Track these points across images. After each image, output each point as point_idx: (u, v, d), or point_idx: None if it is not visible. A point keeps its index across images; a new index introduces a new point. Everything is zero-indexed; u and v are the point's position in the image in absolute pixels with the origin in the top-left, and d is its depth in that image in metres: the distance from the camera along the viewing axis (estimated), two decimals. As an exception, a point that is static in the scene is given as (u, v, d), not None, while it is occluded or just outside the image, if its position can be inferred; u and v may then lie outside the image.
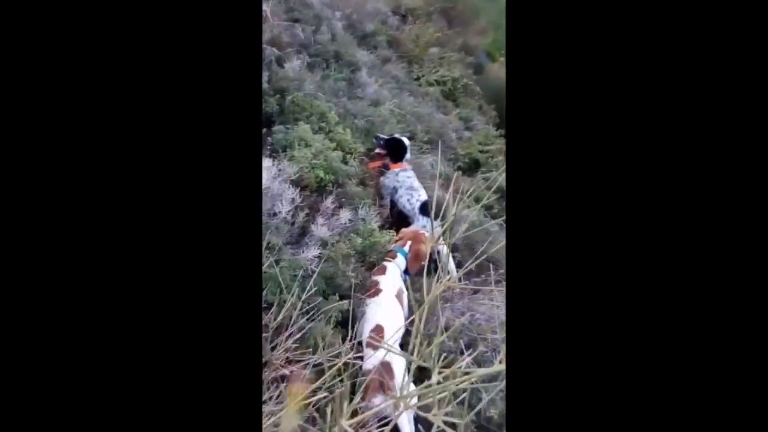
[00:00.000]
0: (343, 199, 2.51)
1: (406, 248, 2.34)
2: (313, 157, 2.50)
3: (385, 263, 2.26)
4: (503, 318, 2.34)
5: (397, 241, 2.41)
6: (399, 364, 1.86)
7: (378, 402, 1.76)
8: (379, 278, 2.20)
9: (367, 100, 4.17)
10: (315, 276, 1.58)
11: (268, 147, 2.42)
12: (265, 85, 2.80)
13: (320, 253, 1.90)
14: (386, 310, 2.07)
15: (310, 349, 1.47)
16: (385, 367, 1.82)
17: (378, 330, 1.96)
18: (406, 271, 2.35)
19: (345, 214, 2.22)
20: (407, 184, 3.05)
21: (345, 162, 2.87)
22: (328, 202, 2.20)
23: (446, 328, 2.27)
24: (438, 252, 2.74)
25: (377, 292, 2.14)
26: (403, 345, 2.29)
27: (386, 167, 3.15)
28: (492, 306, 2.36)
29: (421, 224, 2.93)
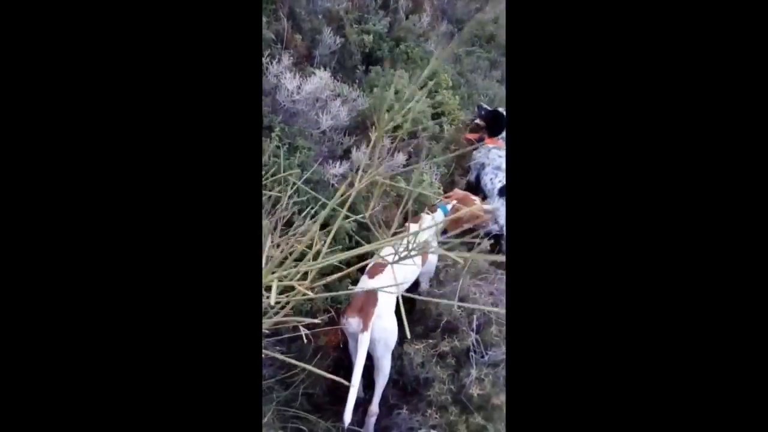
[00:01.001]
0: (411, 149, 2.48)
1: (449, 207, 2.22)
2: (396, 101, 2.50)
3: (422, 214, 2.18)
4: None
5: (444, 198, 2.31)
6: (384, 293, 1.82)
7: (353, 323, 1.76)
8: (410, 225, 2.14)
9: (501, 85, 4.01)
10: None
11: (355, 83, 2.47)
12: (383, 30, 2.85)
13: (346, 174, 1.90)
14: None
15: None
16: (372, 293, 1.79)
17: (382, 263, 1.92)
18: (446, 232, 2.25)
19: (400, 157, 2.18)
20: (496, 163, 2.88)
21: (435, 119, 2.82)
22: (387, 141, 2.18)
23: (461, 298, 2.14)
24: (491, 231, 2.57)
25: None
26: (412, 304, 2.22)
27: (482, 140, 3.01)
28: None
29: (494, 206, 2.76)
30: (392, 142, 2.26)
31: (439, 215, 2.19)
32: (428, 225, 2.15)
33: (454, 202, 2.23)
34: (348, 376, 2.04)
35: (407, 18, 3.02)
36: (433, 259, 2.17)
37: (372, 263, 1.96)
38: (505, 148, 2.96)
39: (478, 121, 3.05)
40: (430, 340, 2.03)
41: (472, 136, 3.08)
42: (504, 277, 2.34)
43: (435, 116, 2.92)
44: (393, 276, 1.90)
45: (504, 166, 2.88)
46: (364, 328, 1.72)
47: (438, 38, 3.45)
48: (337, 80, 2.34)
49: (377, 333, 1.79)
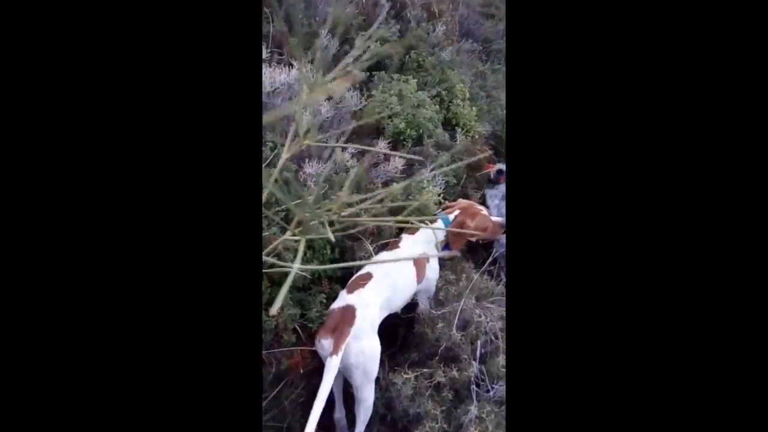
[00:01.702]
0: (416, 157, 2.23)
1: (452, 217, 1.92)
2: (399, 107, 2.27)
3: (421, 225, 1.90)
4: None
5: (446, 208, 2.01)
6: (364, 312, 1.55)
7: (325, 345, 1.49)
8: (405, 236, 1.88)
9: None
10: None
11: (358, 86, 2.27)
12: (394, 37, 2.67)
13: (323, 171, 1.66)
14: (391, 265, 1.73)
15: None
16: (348, 311, 1.53)
17: (365, 277, 1.66)
18: (447, 246, 1.96)
19: (397, 162, 1.94)
20: None
21: (449, 131, 2.57)
22: (383, 144, 1.94)
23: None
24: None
25: (394, 246, 1.83)
26: (410, 321, 1.92)
27: (500, 172, 2.66)
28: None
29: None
30: (389, 145, 2.02)
31: (438, 225, 1.91)
32: (425, 235, 1.87)
33: (457, 212, 1.95)
34: (329, 409, 1.76)
35: (418, 26, 2.83)
36: (432, 275, 1.88)
37: (354, 277, 1.70)
38: None
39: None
40: (425, 370, 1.72)
41: (489, 168, 2.73)
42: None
43: (448, 127, 2.68)
44: (377, 292, 1.64)
45: None
46: (334, 350, 1.44)
47: (457, 51, 3.24)
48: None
49: (354, 358, 1.50)
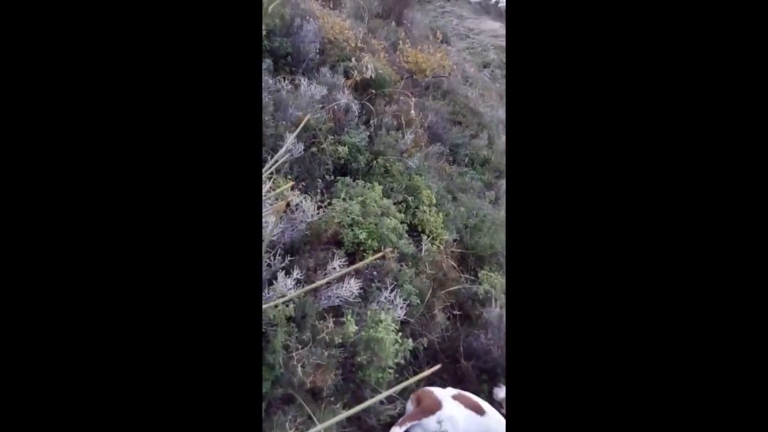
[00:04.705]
0: (375, 273, 1.88)
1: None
2: (362, 216, 1.96)
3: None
4: None
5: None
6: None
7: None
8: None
9: (494, 206, 3.51)
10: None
11: (319, 192, 1.96)
12: (363, 143, 2.43)
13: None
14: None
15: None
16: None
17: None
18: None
19: (352, 284, 1.58)
20: None
21: (415, 237, 2.26)
22: (336, 263, 1.60)
23: None
24: None
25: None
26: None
27: None
28: None
29: None
30: (344, 264, 1.67)
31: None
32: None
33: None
34: None
35: (388, 133, 2.61)
36: None
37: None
38: None
39: None
40: None
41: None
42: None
43: (414, 233, 2.38)
44: None
45: None
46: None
47: (426, 156, 3.04)
48: (298, 189, 1.83)
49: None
